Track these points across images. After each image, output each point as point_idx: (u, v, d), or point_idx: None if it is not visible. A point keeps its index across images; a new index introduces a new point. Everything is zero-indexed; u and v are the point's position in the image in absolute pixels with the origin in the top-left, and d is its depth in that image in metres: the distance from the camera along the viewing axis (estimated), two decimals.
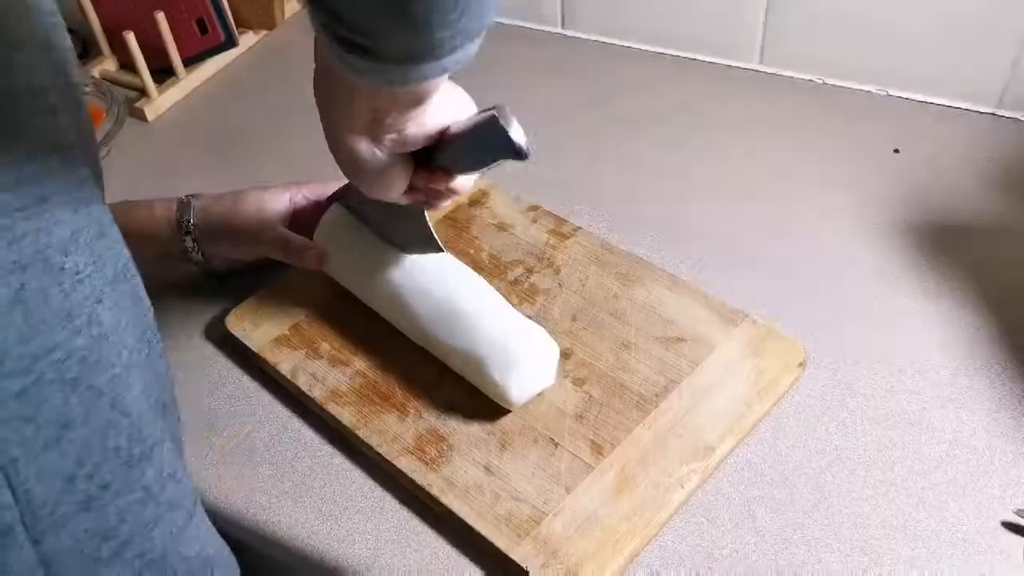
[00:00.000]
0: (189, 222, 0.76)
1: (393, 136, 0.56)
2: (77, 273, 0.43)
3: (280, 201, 0.77)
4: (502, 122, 0.53)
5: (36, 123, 0.43)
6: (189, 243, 0.76)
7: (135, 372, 0.47)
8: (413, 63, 0.45)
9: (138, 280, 0.50)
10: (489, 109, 0.55)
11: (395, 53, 0.44)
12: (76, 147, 0.45)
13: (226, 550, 0.56)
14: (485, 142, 0.56)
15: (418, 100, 0.54)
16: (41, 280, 0.41)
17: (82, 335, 0.43)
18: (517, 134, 0.54)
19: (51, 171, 0.43)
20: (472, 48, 0.46)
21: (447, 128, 0.57)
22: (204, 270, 0.80)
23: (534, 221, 0.82)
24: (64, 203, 0.43)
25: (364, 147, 0.57)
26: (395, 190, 0.60)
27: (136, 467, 0.46)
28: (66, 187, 0.44)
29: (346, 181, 0.79)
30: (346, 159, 0.58)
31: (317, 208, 0.78)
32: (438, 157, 0.59)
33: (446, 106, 0.56)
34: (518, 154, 0.54)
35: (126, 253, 0.48)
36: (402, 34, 0.42)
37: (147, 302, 0.50)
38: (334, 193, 0.77)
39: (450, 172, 0.60)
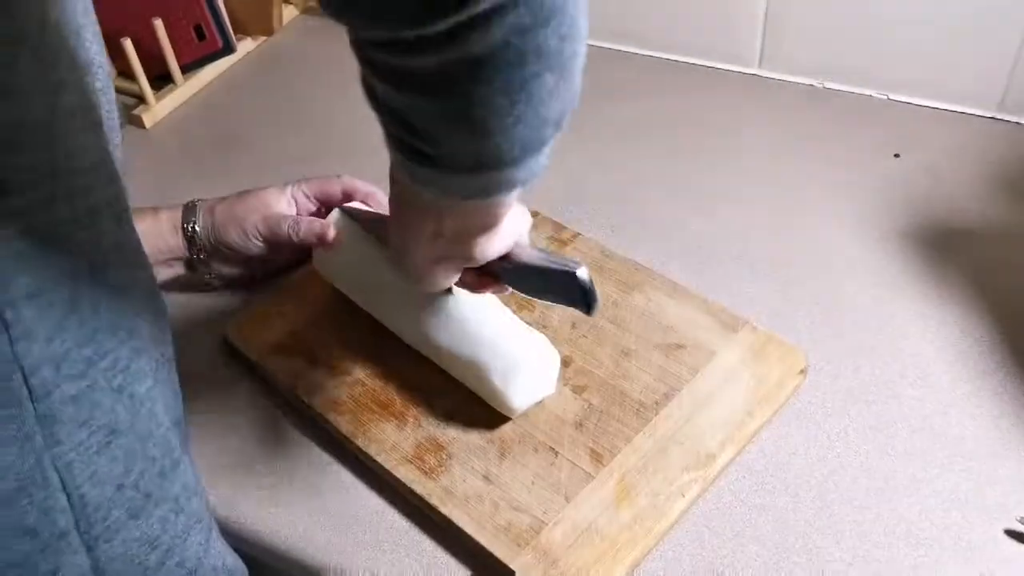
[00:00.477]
0: (195, 224, 0.76)
1: (457, 262, 0.57)
2: (121, 286, 0.45)
3: (282, 198, 0.78)
4: (584, 282, 0.57)
5: (87, 139, 0.44)
6: (198, 242, 0.76)
7: (160, 385, 0.48)
8: (473, 173, 0.45)
9: (162, 296, 0.51)
10: (568, 262, 0.57)
11: (455, 160, 0.45)
12: (116, 161, 0.46)
13: (241, 563, 0.57)
14: (555, 287, 0.59)
15: (486, 224, 0.54)
16: (93, 290, 0.43)
17: (126, 345, 0.45)
18: (592, 295, 0.57)
19: (99, 184, 0.44)
20: (535, 165, 0.46)
21: (511, 250, 0.58)
22: (210, 278, 0.79)
23: (533, 227, 0.81)
24: (110, 215, 0.45)
25: (428, 267, 0.58)
26: (441, 289, 0.62)
27: (167, 478, 0.48)
28: (110, 199, 0.45)
29: (343, 177, 0.79)
30: (407, 270, 0.59)
31: (318, 205, 0.79)
32: (493, 266, 0.59)
33: (511, 228, 0.57)
34: (587, 310, 0.58)
35: (151, 266, 0.50)
36: (461, 138, 0.43)
37: (168, 318, 0.52)
38: (343, 207, 0.77)
39: (499, 279, 0.61)
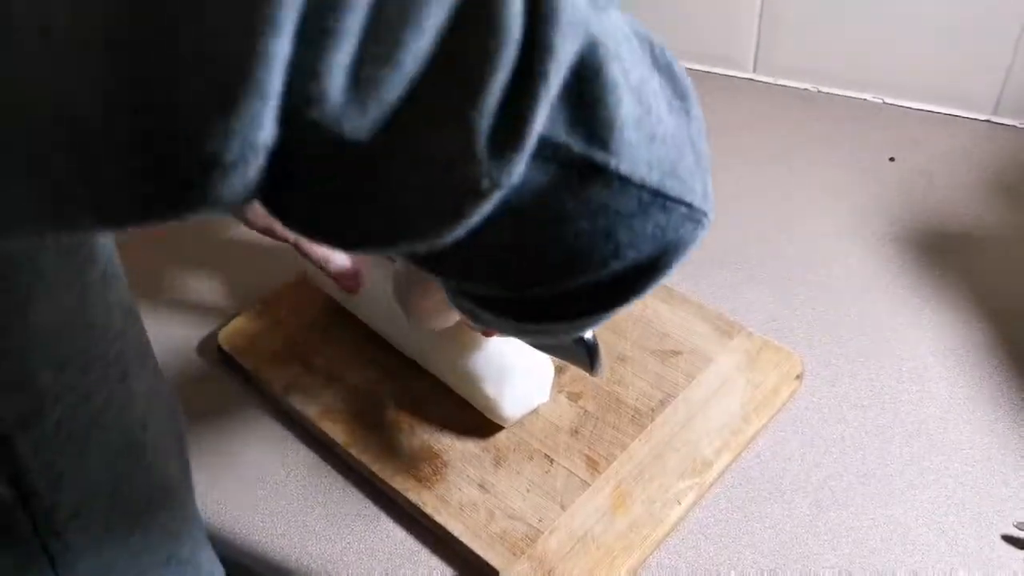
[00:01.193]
0: None
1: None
2: (155, 444, 0.42)
3: None
4: (591, 347, 0.58)
5: (110, 297, 0.39)
6: None
7: (196, 531, 0.46)
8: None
9: (182, 422, 0.48)
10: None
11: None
12: (133, 311, 0.42)
13: None
14: (560, 345, 0.59)
15: None
16: (131, 468, 0.40)
17: (166, 511, 0.42)
18: (598, 358, 0.58)
19: (127, 340, 0.40)
20: None
21: None
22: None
23: None
24: (137, 366, 0.41)
25: (432, 316, 0.58)
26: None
27: None
28: (136, 347, 0.41)
29: None
30: (411, 318, 0.59)
31: None
32: None
33: None
34: (590, 371, 0.59)
35: (165, 378, 0.47)
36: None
37: (186, 436, 0.48)
38: None
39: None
